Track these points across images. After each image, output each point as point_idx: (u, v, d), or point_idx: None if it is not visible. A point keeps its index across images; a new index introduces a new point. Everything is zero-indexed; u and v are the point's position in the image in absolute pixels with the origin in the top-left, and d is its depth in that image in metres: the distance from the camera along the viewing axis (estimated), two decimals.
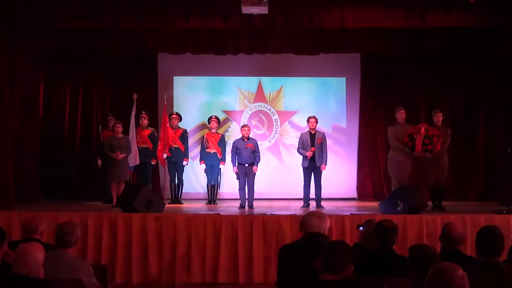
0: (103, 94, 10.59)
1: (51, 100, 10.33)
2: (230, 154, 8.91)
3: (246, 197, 8.65)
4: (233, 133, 10.67)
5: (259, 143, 9.22)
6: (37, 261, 3.15)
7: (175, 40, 9.56)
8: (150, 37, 9.51)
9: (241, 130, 8.95)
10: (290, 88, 10.80)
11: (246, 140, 8.76)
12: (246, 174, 8.67)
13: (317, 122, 8.82)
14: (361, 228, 4.47)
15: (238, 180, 8.72)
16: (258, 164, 8.80)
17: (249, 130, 8.91)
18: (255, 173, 8.72)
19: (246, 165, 8.67)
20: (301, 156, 8.76)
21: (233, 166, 8.77)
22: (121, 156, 8.53)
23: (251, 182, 8.66)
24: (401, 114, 8.50)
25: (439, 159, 8.23)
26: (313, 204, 8.68)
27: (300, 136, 8.89)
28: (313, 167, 8.64)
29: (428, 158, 8.21)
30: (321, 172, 8.68)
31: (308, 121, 8.84)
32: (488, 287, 3.05)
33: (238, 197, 8.76)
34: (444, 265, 2.54)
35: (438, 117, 8.37)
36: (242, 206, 8.51)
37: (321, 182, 8.72)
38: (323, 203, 8.75)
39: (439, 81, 10.43)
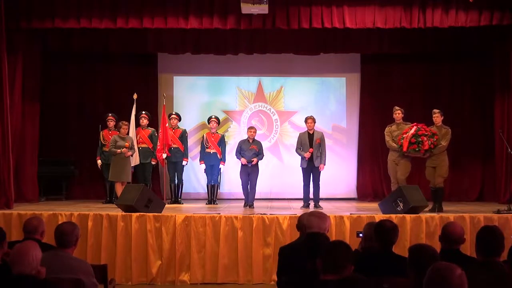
0: (103, 94, 10.58)
1: (51, 100, 10.32)
2: (235, 152, 9.00)
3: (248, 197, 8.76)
4: (233, 133, 10.68)
5: None
6: (34, 258, 3.16)
7: (175, 40, 9.58)
8: (150, 37, 9.53)
9: (247, 131, 9.06)
10: (290, 88, 10.80)
11: (251, 142, 8.86)
12: (249, 174, 8.74)
13: (314, 122, 8.81)
14: (360, 235, 4.45)
15: (241, 178, 8.81)
16: (259, 163, 8.89)
17: (254, 132, 8.97)
18: (257, 174, 8.79)
19: (249, 165, 8.72)
20: (300, 156, 8.77)
21: (241, 159, 8.77)
22: (128, 153, 8.53)
23: (254, 182, 8.75)
24: (397, 114, 8.50)
25: (437, 159, 8.17)
26: (312, 204, 8.70)
27: (298, 137, 8.89)
28: (311, 167, 8.66)
29: (428, 158, 8.18)
30: (320, 172, 8.68)
31: (306, 121, 8.84)
32: (487, 287, 3.05)
33: (238, 197, 8.94)
34: (442, 265, 2.54)
35: (436, 117, 8.30)
36: (246, 205, 8.64)
37: (320, 182, 8.75)
38: (322, 203, 8.77)
39: (438, 81, 10.43)
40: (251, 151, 8.79)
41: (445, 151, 8.24)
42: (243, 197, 8.94)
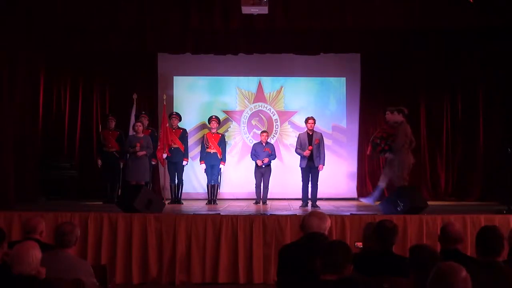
0: (103, 94, 10.57)
1: (51, 100, 10.32)
2: (250, 155, 9.49)
3: (261, 195, 9.23)
4: (233, 133, 10.69)
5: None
6: (34, 258, 3.16)
7: (175, 40, 9.55)
8: (150, 37, 9.50)
9: (260, 136, 9.54)
10: (290, 88, 10.80)
11: (264, 145, 9.35)
12: (262, 174, 9.22)
13: (315, 123, 8.91)
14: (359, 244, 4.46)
15: (255, 178, 9.26)
16: (270, 163, 9.35)
17: (267, 136, 9.51)
18: (270, 175, 9.25)
19: (263, 166, 9.19)
20: (299, 156, 8.84)
21: (257, 160, 9.22)
22: (141, 153, 8.53)
23: (267, 181, 9.24)
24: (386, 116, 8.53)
25: (390, 160, 8.12)
26: (310, 203, 8.78)
27: (298, 137, 9.03)
28: (310, 167, 8.76)
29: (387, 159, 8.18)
30: (319, 172, 8.79)
31: (306, 121, 8.95)
32: (487, 287, 3.05)
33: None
34: (447, 266, 2.52)
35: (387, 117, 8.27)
36: (257, 202, 9.11)
37: (320, 182, 8.84)
38: (322, 203, 8.81)
39: (439, 81, 10.42)
40: (264, 153, 9.25)
41: (402, 150, 8.02)
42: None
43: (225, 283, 6.66)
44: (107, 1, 8.08)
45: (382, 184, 8.30)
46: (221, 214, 6.98)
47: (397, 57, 10.28)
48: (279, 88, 10.80)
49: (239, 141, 10.71)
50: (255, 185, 9.31)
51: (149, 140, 8.77)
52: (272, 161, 9.35)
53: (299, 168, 8.91)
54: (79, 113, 10.48)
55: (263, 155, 9.22)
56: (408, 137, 8.06)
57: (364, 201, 8.54)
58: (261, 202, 9.17)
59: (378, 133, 8.26)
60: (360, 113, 10.67)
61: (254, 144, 9.59)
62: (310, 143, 8.75)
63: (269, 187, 9.33)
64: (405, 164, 7.99)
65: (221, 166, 9.39)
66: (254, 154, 9.32)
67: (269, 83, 10.83)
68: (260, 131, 9.81)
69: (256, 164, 9.27)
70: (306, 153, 8.70)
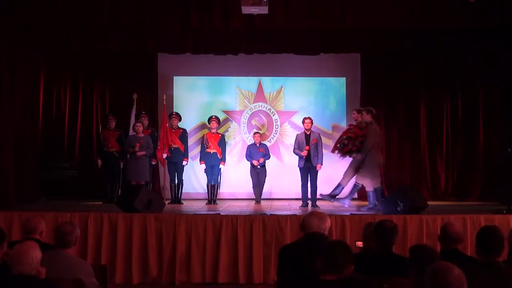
0: (103, 94, 10.57)
1: (51, 100, 10.32)
2: (245, 156, 9.68)
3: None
4: (233, 133, 10.69)
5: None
6: (34, 258, 3.16)
7: (175, 40, 9.55)
8: (150, 37, 9.50)
9: (253, 137, 9.79)
10: (290, 88, 10.81)
11: (258, 145, 9.56)
12: (258, 174, 9.40)
13: (312, 123, 8.93)
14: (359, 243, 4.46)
15: (251, 178, 9.46)
16: (265, 163, 9.58)
17: (259, 136, 9.67)
18: (265, 175, 9.46)
19: (259, 166, 9.38)
20: (298, 157, 8.91)
21: (252, 161, 9.43)
22: (140, 153, 8.55)
23: (262, 181, 9.47)
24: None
25: (357, 161, 8.18)
26: (310, 203, 8.78)
27: (296, 137, 9.07)
28: (309, 167, 8.78)
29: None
30: (317, 172, 8.80)
31: (303, 122, 9.01)
32: (487, 287, 3.05)
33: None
34: (440, 265, 2.54)
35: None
36: (257, 202, 9.27)
37: (320, 182, 8.84)
38: (322, 203, 8.80)
39: (439, 81, 10.42)
40: (259, 154, 9.46)
41: (371, 151, 8.13)
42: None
43: (225, 283, 6.66)
44: (107, 1, 8.07)
45: (370, 188, 8.25)
46: (221, 214, 6.98)
47: (397, 57, 10.29)
48: (279, 88, 10.80)
49: (239, 141, 10.71)
50: (252, 186, 9.43)
51: (149, 140, 8.80)
52: (267, 161, 9.51)
53: (298, 168, 8.92)
54: (79, 113, 10.48)
55: (258, 156, 9.40)
56: (378, 137, 8.18)
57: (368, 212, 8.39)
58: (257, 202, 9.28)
59: (345, 133, 8.28)
60: None
61: (249, 146, 9.79)
62: (307, 143, 8.77)
63: (265, 187, 9.49)
64: (375, 163, 8.14)
65: (221, 166, 9.40)
66: (249, 155, 9.51)
67: (269, 83, 10.83)
68: (253, 132, 9.92)
69: (252, 165, 9.39)
70: (304, 153, 8.74)
